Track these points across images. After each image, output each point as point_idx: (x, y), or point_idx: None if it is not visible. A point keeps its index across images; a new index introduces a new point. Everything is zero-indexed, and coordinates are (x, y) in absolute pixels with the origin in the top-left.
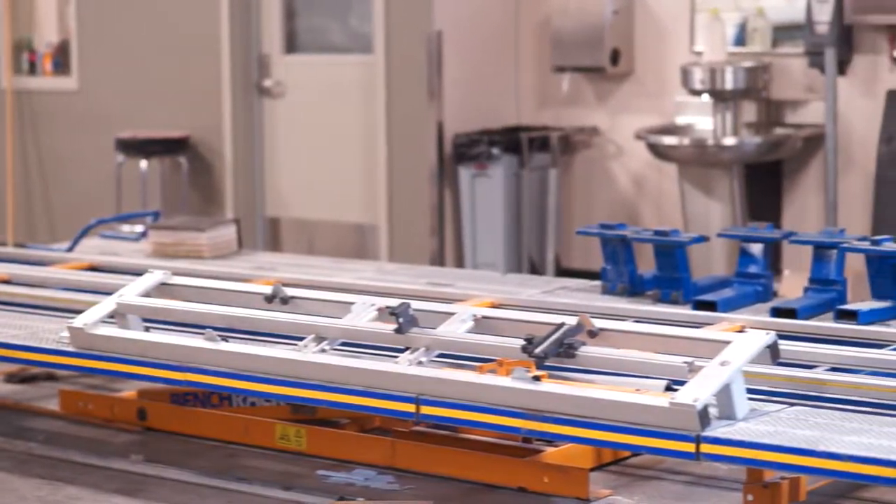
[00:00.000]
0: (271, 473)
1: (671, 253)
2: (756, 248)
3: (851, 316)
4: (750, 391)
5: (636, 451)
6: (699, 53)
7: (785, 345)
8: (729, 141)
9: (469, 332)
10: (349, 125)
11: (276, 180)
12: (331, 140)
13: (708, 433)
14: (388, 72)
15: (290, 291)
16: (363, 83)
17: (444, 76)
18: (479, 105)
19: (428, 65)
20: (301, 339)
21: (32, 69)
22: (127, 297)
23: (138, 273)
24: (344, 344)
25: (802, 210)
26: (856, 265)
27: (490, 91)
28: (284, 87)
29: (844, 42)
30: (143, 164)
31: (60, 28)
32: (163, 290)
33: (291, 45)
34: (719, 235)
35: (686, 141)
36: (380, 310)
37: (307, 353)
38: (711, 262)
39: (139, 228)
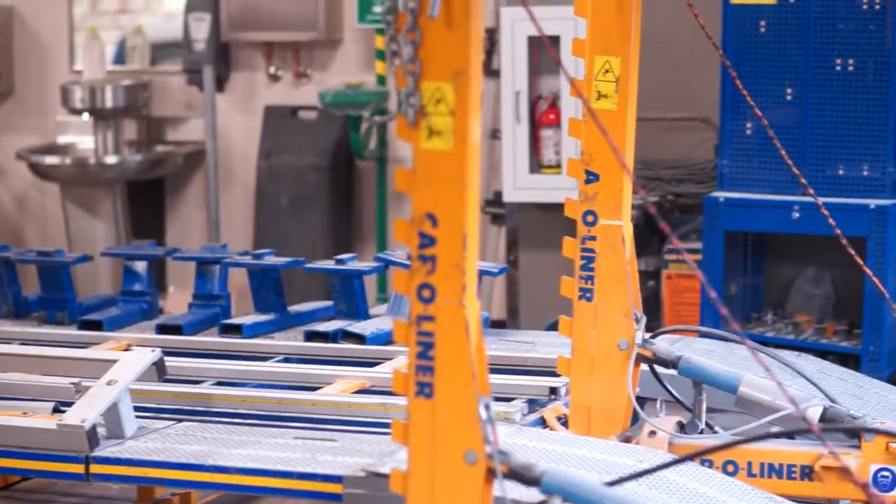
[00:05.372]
0: None
1: (55, 273)
2: (140, 266)
3: (236, 330)
4: (138, 409)
5: (26, 475)
6: (79, 72)
7: (171, 361)
8: (110, 159)
9: None
10: None
11: None
12: None
13: (97, 453)
14: None
15: None
16: None
17: None
18: None
19: None
20: None
21: None
22: None
23: None
24: None
25: (186, 226)
26: (240, 279)
27: None
28: None
29: (222, 59)
30: None
31: None
32: None
33: None
34: (103, 254)
35: (67, 160)
36: None
37: None
38: (97, 281)
39: None
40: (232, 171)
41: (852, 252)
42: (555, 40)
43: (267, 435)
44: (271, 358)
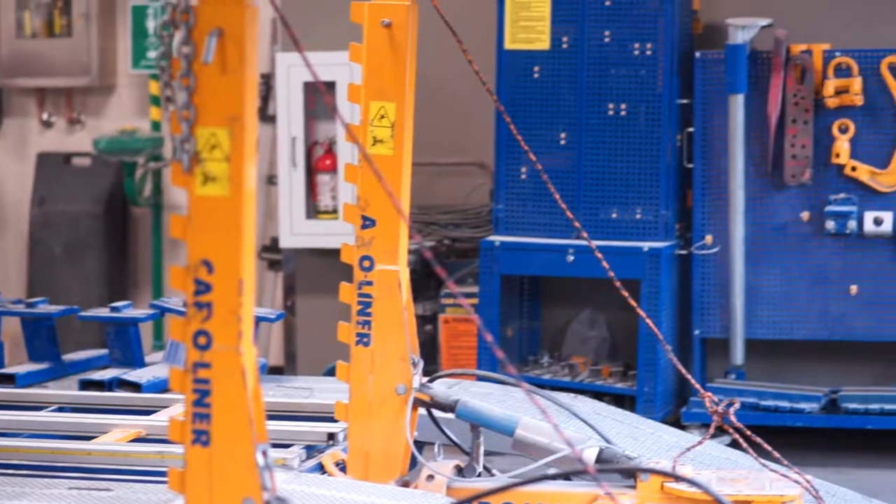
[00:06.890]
0: None
1: None
2: None
3: (9, 379)
4: None
5: None
6: None
7: None
8: None
9: None
10: None
11: None
12: None
13: None
14: None
15: None
16: None
17: None
18: None
19: None
20: None
21: None
22: None
23: None
24: None
25: None
26: (13, 328)
27: None
28: None
29: None
30: None
31: None
32: None
33: None
34: None
35: None
36: None
37: None
38: None
39: None
40: (4, 218)
41: (626, 294)
42: (330, 86)
43: (41, 486)
44: (45, 407)
